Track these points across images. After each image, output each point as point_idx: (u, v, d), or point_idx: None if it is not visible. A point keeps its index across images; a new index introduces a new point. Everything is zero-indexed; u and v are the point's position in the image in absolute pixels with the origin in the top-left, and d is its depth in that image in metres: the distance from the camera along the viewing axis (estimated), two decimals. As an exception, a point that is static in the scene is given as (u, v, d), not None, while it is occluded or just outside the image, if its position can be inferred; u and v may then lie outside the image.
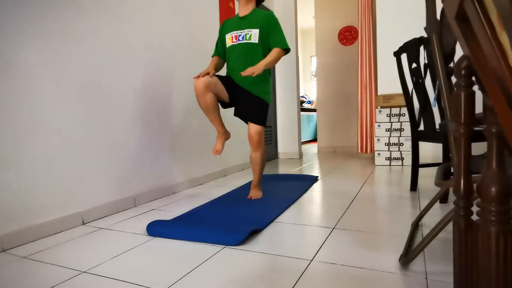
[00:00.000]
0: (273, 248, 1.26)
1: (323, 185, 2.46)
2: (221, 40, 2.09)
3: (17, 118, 1.39)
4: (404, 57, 2.29)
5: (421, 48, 1.90)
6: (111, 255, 1.25)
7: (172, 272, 1.08)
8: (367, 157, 4.15)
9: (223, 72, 2.17)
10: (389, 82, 3.43)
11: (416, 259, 1.11)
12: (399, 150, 3.28)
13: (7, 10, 1.36)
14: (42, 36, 1.49)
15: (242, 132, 3.28)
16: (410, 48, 1.95)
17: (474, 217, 0.62)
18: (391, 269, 1.05)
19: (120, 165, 1.90)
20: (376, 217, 1.60)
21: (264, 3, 3.84)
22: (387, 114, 3.30)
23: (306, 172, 3.12)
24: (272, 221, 1.60)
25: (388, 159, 3.33)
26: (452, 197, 1.87)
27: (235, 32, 1.98)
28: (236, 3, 3.26)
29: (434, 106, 1.81)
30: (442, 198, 1.80)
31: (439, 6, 0.89)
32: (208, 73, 1.83)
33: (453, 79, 1.97)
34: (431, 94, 2.57)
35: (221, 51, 2.09)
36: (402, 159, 3.27)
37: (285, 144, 4.35)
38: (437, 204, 1.78)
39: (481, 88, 0.57)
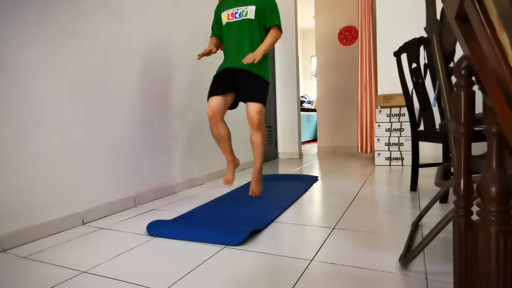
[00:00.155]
0: (273, 248, 1.26)
1: (323, 185, 2.46)
2: (216, 21, 2.10)
3: (17, 118, 1.39)
4: (404, 57, 2.29)
5: (421, 48, 1.90)
6: (111, 255, 1.25)
7: (172, 272, 1.08)
8: (367, 157, 4.15)
9: (215, 65, 2.16)
10: (389, 82, 3.43)
11: (416, 259, 1.11)
12: (399, 150, 3.28)
13: (7, 10, 1.36)
14: (42, 36, 1.49)
15: (243, 131, 3.28)
16: (410, 48, 1.95)
17: (474, 217, 0.62)
18: (391, 269, 1.05)
19: (120, 165, 1.90)
20: (376, 217, 1.60)
21: (264, 3, 3.84)
22: (387, 114, 3.30)
23: (306, 172, 3.12)
24: (272, 221, 1.60)
25: (388, 159, 3.33)
26: (452, 197, 1.87)
27: (231, 10, 2.00)
28: None
29: (434, 106, 1.81)
30: (442, 198, 1.80)
31: (439, 6, 0.89)
32: (210, 51, 1.93)
33: (453, 79, 1.97)
34: (431, 94, 2.57)
35: (217, 32, 2.11)
36: (402, 159, 3.27)
37: (285, 144, 4.35)
38: (437, 204, 1.78)
39: (481, 88, 0.57)
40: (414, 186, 2.13)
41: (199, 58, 1.95)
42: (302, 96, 7.35)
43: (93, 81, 1.75)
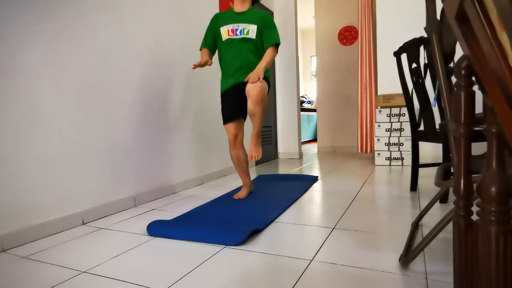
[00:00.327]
0: (273, 248, 1.26)
1: (323, 185, 2.46)
2: (211, 33, 2.03)
3: (17, 118, 1.39)
4: (404, 57, 2.29)
5: (421, 48, 1.90)
6: (111, 255, 1.25)
7: (172, 272, 1.08)
8: (367, 157, 4.15)
9: (216, 66, 2.16)
10: (389, 82, 3.43)
11: (416, 259, 1.11)
12: (399, 150, 3.28)
13: (8, 11, 1.36)
14: (42, 36, 1.49)
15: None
16: (410, 48, 1.95)
17: (474, 217, 0.62)
18: (391, 269, 1.05)
19: (120, 165, 1.90)
20: (376, 217, 1.60)
21: (264, 3, 3.84)
22: (387, 114, 3.30)
23: (306, 172, 3.12)
24: (272, 221, 1.60)
25: (388, 159, 3.33)
26: (452, 197, 1.87)
27: (230, 25, 1.97)
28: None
29: (434, 106, 1.81)
30: (442, 198, 1.80)
31: (439, 6, 0.89)
32: (207, 62, 1.91)
33: (453, 79, 1.96)
34: (431, 94, 2.57)
35: (211, 44, 2.05)
36: (402, 159, 3.27)
37: (285, 144, 4.35)
38: (437, 204, 1.78)
39: (481, 88, 0.57)
40: (414, 186, 2.13)
41: (193, 68, 1.91)
42: (302, 96, 7.35)
43: (93, 81, 1.75)
